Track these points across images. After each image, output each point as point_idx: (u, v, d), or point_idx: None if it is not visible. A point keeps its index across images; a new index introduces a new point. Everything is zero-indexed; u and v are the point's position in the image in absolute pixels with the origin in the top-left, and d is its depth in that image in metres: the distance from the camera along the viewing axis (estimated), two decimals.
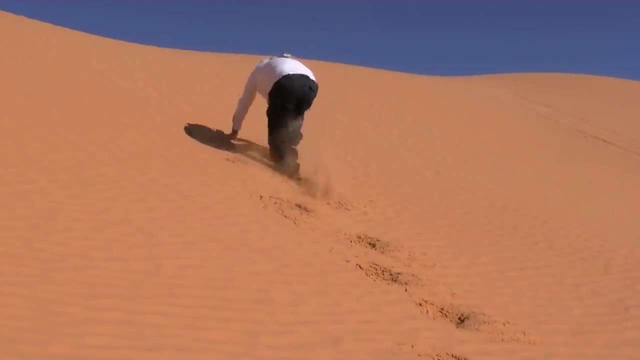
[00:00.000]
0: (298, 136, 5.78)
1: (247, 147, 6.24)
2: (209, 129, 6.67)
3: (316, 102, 5.90)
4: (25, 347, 2.66)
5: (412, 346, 3.36)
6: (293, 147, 5.75)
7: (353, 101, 9.77)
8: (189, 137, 6.25)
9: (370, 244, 4.76)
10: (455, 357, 3.35)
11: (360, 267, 4.28)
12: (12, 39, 7.80)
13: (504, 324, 3.81)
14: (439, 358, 3.30)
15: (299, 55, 6.08)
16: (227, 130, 6.51)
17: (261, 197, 5.12)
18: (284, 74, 5.58)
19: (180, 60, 9.44)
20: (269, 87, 5.65)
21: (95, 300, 3.12)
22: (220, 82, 8.94)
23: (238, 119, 6.21)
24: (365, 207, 5.56)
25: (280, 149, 5.68)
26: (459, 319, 3.84)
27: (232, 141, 6.29)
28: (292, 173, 5.62)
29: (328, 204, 5.39)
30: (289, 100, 5.55)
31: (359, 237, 4.83)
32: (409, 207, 5.91)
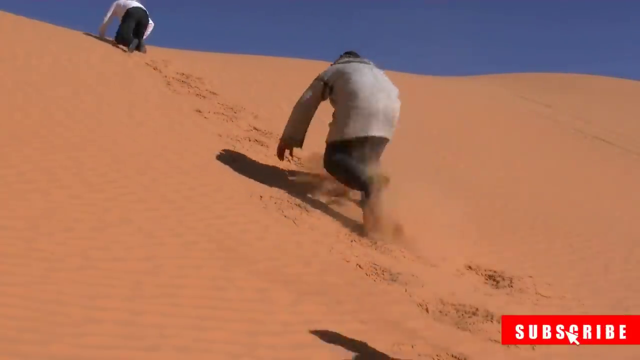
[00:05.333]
0: (143, 43, 9.30)
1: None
2: (208, 129, 6.67)
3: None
4: (25, 347, 2.66)
5: (412, 346, 3.36)
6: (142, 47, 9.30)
7: None
8: (189, 137, 6.25)
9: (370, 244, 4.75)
10: (455, 357, 3.35)
11: (360, 267, 4.28)
12: (12, 39, 7.79)
13: None
14: (439, 358, 3.30)
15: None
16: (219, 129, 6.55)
17: (261, 197, 5.11)
18: (130, 7, 9.31)
19: (179, 59, 9.43)
20: (122, 14, 9.29)
21: (95, 300, 3.12)
22: (220, 82, 8.94)
23: (101, 32, 9.50)
24: None
25: (126, 40, 9.10)
26: (460, 318, 3.83)
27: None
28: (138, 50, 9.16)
29: (328, 203, 5.39)
30: (132, 21, 9.19)
31: (359, 237, 4.82)
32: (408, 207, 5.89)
